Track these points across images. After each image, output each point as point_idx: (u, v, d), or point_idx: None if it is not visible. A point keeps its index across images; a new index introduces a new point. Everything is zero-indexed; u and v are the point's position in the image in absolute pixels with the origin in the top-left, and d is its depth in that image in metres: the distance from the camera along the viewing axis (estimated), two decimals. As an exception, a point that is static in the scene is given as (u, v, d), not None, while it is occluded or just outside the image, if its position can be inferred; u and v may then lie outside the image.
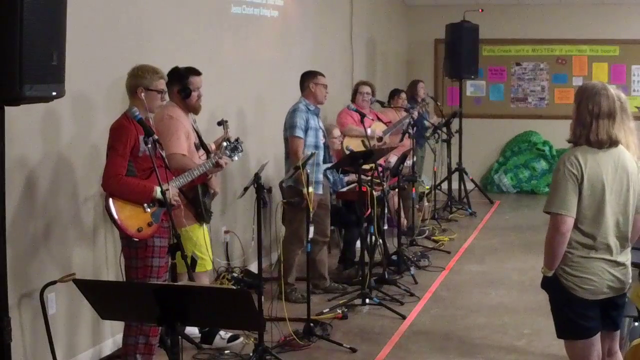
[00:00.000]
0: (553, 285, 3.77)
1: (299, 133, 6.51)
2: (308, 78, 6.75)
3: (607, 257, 3.72)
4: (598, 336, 3.81)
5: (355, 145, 7.58)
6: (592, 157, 3.68)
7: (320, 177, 6.65)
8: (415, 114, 8.79)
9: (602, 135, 3.67)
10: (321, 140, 6.72)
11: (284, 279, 6.42)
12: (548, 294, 3.88)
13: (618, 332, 4.01)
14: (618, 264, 3.75)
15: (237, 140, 5.18)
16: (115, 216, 4.49)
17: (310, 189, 6.37)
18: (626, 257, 3.80)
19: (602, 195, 3.68)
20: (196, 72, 5.42)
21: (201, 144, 5.36)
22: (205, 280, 5.45)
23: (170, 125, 5.20)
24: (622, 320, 4.11)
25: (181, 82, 5.33)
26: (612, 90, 3.72)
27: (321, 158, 6.72)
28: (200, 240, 5.30)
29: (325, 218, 6.87)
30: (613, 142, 3.69)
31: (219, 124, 5.34)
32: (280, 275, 6.11)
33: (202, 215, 5.27)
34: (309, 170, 5.89)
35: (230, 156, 5.12)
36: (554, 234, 3.68)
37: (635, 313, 4.67)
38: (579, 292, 3.71)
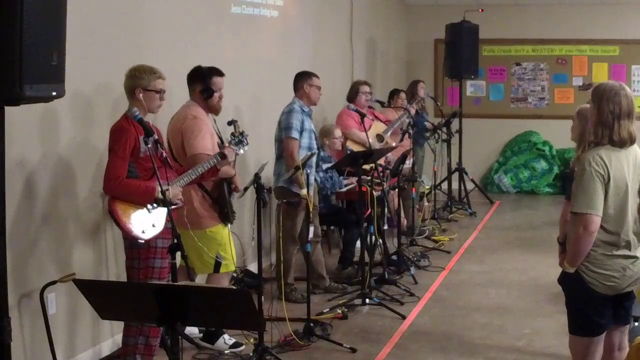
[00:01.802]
0: (574, 281, 3.82)
1: (295, 134, 6.43)
2: (302, 79, 6.66)
3: (627, 253, 3.79)
4: (604, 335, 3.88)
5: (356, 146, 7.58)
6: (615, 157, 3.73)
7: (312, 179, 6.62)
8: (412, 111, 8.79)
9: (624, 135, 3.74)
10: (314, 142, 6.66)
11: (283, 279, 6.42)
12: (565, 289, 3.93)
13: (628, 326, 4.10)
14: (636, 258, 3.83)
15: (241, 133, 5.10)
16: (119, 219, 4.46)
17: (308, 191, 6.36)
18: None
19: (626, 193, 3.75)
20: (219, 73, 5.36)
21: (222, 144, 5.32)
22: (226, 282, 5.40)
23: (194, 125, 5.16)
24: (631, 315, 4.17)
25: (204, 82, 5.28)
26: (628, 88, 3.79)
27: (314, 160, 6.66)
28: (225, 240, 5.23)
29: (315, 218, 6.83)
30: (632, 141, 3.77)
31: (229, 123, 5.25)
32: (279, 276, 6.11)
33: (227, 215, 5.24)
34: (308, 171, 5.87)
35: (234, 150, 5.08)
36: (583, 234, 3.71)
37: (637, 312, 4.69)
38: (601, 288, 3.77)
